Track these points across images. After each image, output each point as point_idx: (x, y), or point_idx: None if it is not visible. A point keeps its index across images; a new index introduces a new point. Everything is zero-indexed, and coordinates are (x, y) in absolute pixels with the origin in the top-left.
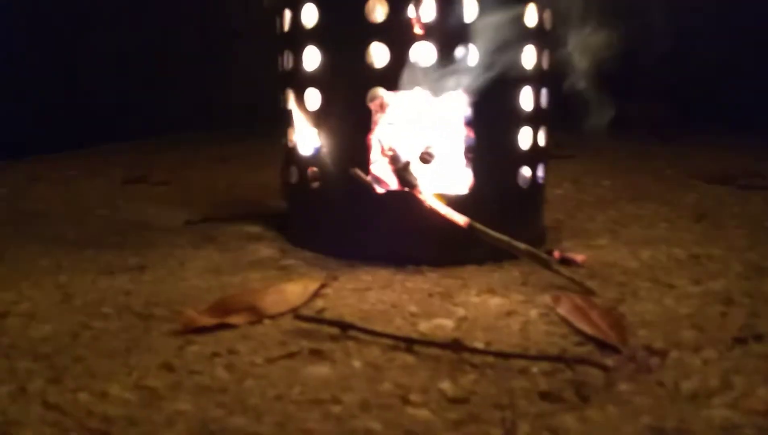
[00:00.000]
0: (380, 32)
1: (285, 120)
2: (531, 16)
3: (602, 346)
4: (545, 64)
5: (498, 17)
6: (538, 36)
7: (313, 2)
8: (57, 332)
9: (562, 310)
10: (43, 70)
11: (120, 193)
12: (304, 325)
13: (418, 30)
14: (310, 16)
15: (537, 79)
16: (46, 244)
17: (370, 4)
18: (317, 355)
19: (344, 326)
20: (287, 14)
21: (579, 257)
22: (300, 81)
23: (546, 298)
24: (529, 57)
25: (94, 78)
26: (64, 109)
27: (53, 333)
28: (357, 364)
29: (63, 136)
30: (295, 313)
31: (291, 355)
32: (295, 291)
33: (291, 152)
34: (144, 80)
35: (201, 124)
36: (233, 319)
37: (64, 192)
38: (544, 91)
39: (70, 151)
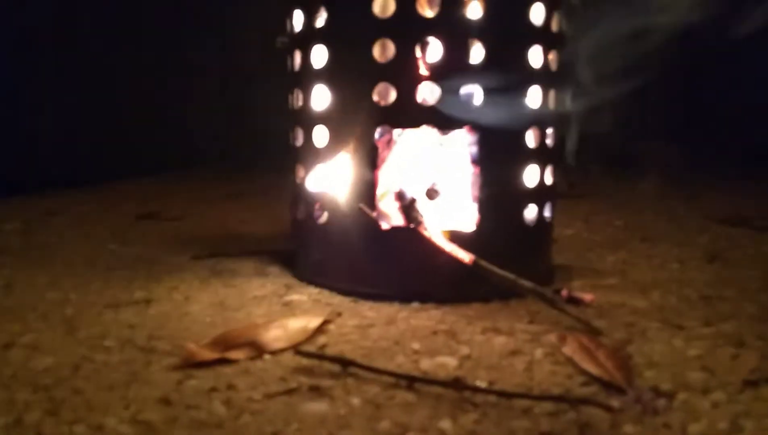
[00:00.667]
0: (387, 71)
1: (294, 156)
2: (536, 57)
3: (608, 386)
4: (552, 103)
5: (503, 58)
6: (545, 76)
7: (323, 43)
8: (58, 364)
9: (568, 349)
10: (61, 107)
11: (132, 228)
12: (305, 362)
13: (423, 70)
14: (319, 56)
15: (543, 117)
16: (55, 277)
17: (377, 45)
18: (316, 391)
19: (345, 363)
20: (297, 55)
21: (587, 297)
22: (309, 118)
23: (552, 338)
24: (535, 96)
25: (112, 115)
26: (82, 145)
27: (55, 365)
28: (356, 401)
29: (80, 171)
30: (296, 348)
31: (290, 392)
32: (297, 327)
33: (299, 188)
34: (160, 117)
35: (214, 161)
36: (234, 354)
37: (77, 226)
38: (550, 130)
39: (85, 186)
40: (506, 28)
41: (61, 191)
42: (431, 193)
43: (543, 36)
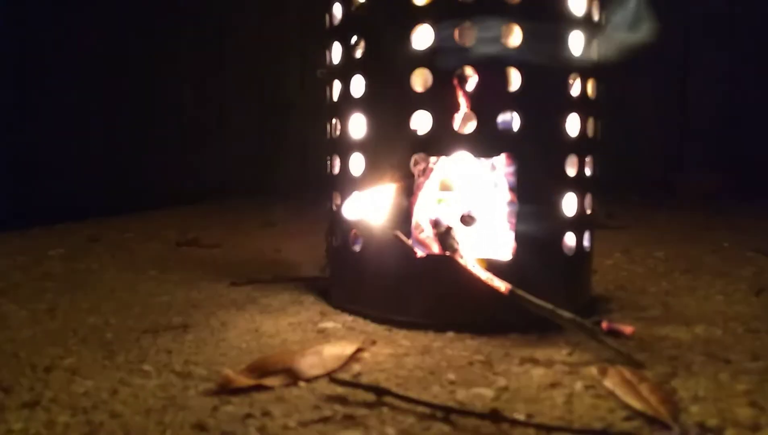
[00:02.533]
0: (424, 101)
1: (331, 185)
2: (576, 85)
3: (652, 421)
4: (590, 132)
5: (542, 86)
6: (584, 104)
7: (361, 73)
8: (97, 388)
9: (610, 382)
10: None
11: (172, 255)
12: (340, 390)
13: (461, 99)
14: (357, 86)
15: (582, 145)
16: (95, 302)
17: (415, 74)
18: (351, 420)
19: (380, 392)
20: (336, 84)
21: (628, 329)
22: (346, 147)
23: (592, 370)
24: (573, 124)
25: (154, 145)
26: (127, 174)
27: (94, 388)
28: (391, 431)
29: (121, 199)
30: (331, 376)
31: (324, 420)
32: (331, 354)
33: (335, 216)
34: (199, 146)
35: (251, 190)
36: (269, 381)
37: (118, 253)
38: (589, 158)
39: (129, 214)
40: (545, 58)
41: (103, 219)
42: (466, 220)
43: (581, 64)
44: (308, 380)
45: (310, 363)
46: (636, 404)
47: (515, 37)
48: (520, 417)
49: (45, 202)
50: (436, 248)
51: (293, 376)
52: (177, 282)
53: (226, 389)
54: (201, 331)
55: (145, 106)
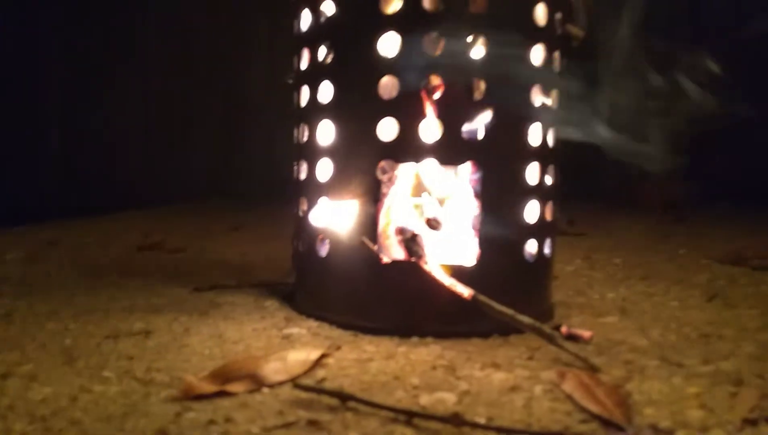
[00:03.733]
0: (391, 108)
1: (298, 190)
2: (537, 95)
3: (607, 424)
4: (551, 141)
5: (505, 96)
6: (545, 113)
7: (329, 79)
8: (56, 394)
9: (567, 386)
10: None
11: (133, 260)
12: (304, 395)
13: (427, 106)
14: (326, 92)
15: (543, 154)
16: (55, 307)
17: (382, 82)
18: (314, 425)
19: (344, 397)
20: (304, 90)
21: (586, 334)
22: (313, 152)
23: (551, 374)
24: (535, 133)
25: (116, 146)
26: (84, 176)
27: (53, 395)
28: None
29: (82, 202)
30: (295, 382)
31: (288, 425)
32: (296, 360)
33: (302, 221)
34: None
35: (216, 194)
36: (232, 387)
37: (78, 257)
38: (551, 167)
39: (89, 217)
40: (508, 68)
41: (63, 222)
42: (432, 224)
43: (543, 75)
44: (272, 386)
45: (274, 369)
46: (592, 407)
47: (480, 47)
48: (481, 420)
49: (2, 204)
50: (401, 254)
51: (257, 382)
52: (138, 287)
53: (189, 396)
54: (163, 337)
55: (107, 107)
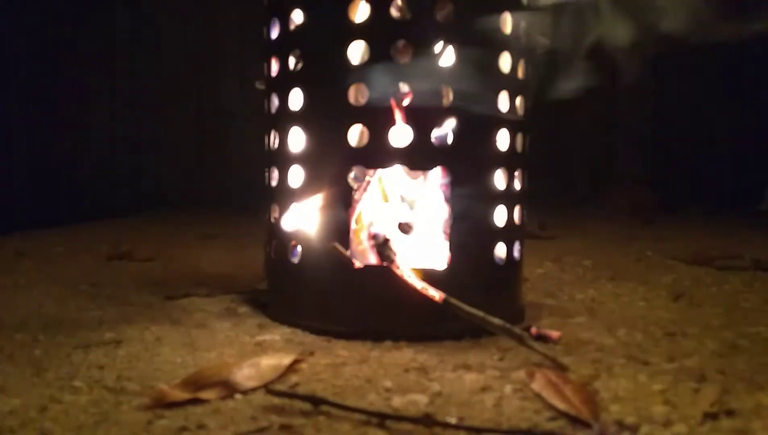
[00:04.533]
0: (361, 114)
1: (269, 196)
2: (504, 102)
3: (574, 421)
4: (519, 146)
5: (474, 102)
6: (513, 119)
7: (300, 87)
8: (25, 406)
9: (536, 385)
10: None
11: (102, 270)
12: (276, 400)
13: (397, 114)
14: (296, 99)
15: (512, 159)
16: (23, 318)
17: (352, 89)
18: (287, 430)
19: (316, 401)
20: (275, 97)
21: (555, 334)
22: (284, 159)
23: (521, 374)
24: (503, 139)
25: (84, 155)
26: (52, 186)
27: (21, 406)
28: None
29: (49, 212)
30: (268, 387)
31: (260, 431)
32: (268, 365)
33: (273, 228)
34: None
35: (186, 202)
36: (205, 394)
37: (47, 267)
38: (519, 172)
39: (58, 227)
40: (476, 76)
41: (31, 233)
42: (404, 228)
43: (510, 81)
44: (245, 392)
45: (247, 375)
46: (560, 405)
47: (448, 55)
48: (452, 420)
49: None
50: (373, 259)
51: (229, 389)
52: (109, 297)
53: (161, 403)
54: (134, 346)
55: (76, 114)
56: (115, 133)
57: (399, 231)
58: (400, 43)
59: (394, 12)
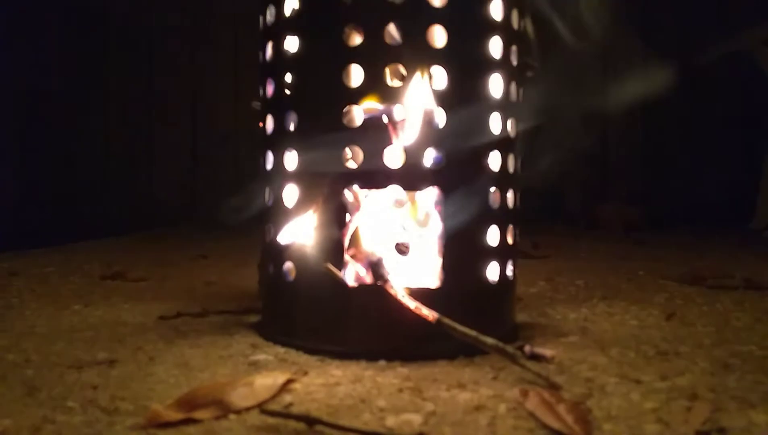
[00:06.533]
0: (355, 135)
1: (264, 216)
2: (496, 123)
3: None
4: (511, 167)
5: (466, 124)
6: (504, 141)
7: (293, 108)
8: (18, 426)
9: (530, 404)
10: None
11: (96, 289)
12: (270, 420)
13: (392, 134)
14: (290, 121)
15: (504, 179)
16: (15, 339)
17: (345, 111)
18: None
19: (310, 421)
20: (270, 118)
21: (549, 353)
22: (279, 179)
23: (515, 393)
24: (495, 159)
25: (77, 174)
26: (44, 205)
27: (13, 427)
28: None
29: (44, 231)
30: (262, 407)
31: None
32: (262, 385)
33: (268, 247)
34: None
35: (179, 221)
36: (199, 414)
37: (39, 287)
38: (512, 192)
39: (50, 246)
40: (468, 97)
41: (23, 252)
42: (401, 249)
43: (502, 104)
44: (239, 412)
45: (241, 394)
46: (554, 424)
47: (441, 78)
48: None
49: None
50: (367, 278)
51: (223, 409)
52: (102, 317)
53: (154, 424)
54: (127, 366)
55: (68, 132)
56: (109, 151)
57: (396, 252)
58: (394, 66)
59: (387, 38)
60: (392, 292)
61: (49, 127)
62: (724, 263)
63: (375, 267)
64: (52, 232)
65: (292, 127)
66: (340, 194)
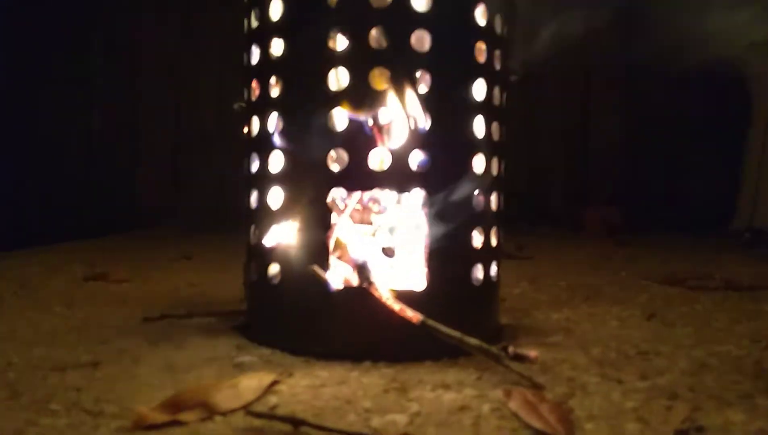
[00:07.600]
0: (341, 138)
1: (249, 218)
2: (480, 127)
3: None
4: (495, 170)
5: (450, 126)
6: (488, 145)
7: (278, 111)
8: (0, 430)
9: (513, 404)
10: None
11: (79, 291)
12: (256, 422)
13: (376, 138)
14: (275, 123)
15: (488, 182)
16: None
17: (331, 113)
18: None
19: (296, 422)
20: (255, 120)
21: (532, 353)
22: (264, 181)
23: (499, 393)
24: (479, 163)
25: (58, 174)
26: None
27: None
28: None
29: (26, 232)
30: (248, 409)
31: None
32: (248, 386)
33: (252, 249)
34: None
35: (163, 222)
36: (184, 416)
37: (20, 289)
38: (495, 194)
39: (31, 247)
40: (451, 101)
41: (3, 253)
42: (387, 252)
43: (485, 108)
44: (224, 414)
45: (226, 396)
46: (536, 424)
47: (425, 81)
48: None
49: None
50: (352, 280)
51: (209, 410)
52: (85, 318)
53: (140, 426)
54: (112, 368)
55: (51, 132)
56: (92, 152)
57: (382, 254)
58: (378, 69)
59: (372, 42)
60: (377, 294)
61: (32, 128)
62: (705, 265)
63: (360, 269)
64: (34, 233)
65: (276, 129)
66: (325, 196)
